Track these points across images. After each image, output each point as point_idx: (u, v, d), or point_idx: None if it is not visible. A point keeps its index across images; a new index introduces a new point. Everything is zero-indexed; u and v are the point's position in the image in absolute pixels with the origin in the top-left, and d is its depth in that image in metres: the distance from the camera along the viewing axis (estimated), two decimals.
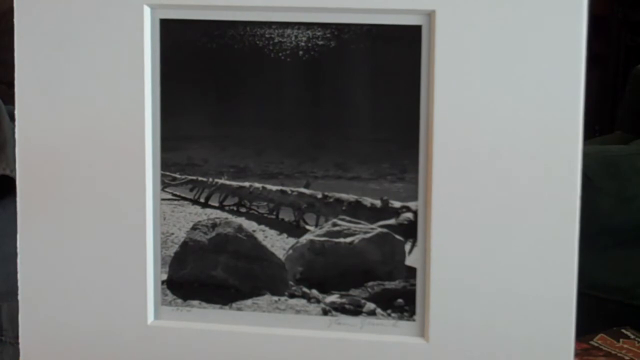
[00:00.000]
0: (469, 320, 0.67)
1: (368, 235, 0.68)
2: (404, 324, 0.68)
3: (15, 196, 0.70)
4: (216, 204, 0.69)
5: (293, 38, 0.67)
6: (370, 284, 0.68)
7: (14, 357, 0.95)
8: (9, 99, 1.00)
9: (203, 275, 0.70)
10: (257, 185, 0.69)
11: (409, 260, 0.68)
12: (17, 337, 0.73)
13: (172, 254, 0.70)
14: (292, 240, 0.69)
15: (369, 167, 0.67)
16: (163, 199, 0.70)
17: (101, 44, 0.67)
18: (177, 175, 0.69)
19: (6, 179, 1.02)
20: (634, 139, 1.58)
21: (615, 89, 3.39)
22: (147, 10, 0.67)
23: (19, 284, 0.71)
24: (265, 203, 0.69)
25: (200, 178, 0.69)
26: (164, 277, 0.70)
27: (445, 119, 0.65)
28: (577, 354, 0.68)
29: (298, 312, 0.69)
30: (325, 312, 0.69)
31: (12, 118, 1.03)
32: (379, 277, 0.68)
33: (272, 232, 0.69)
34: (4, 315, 1.01)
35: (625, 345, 1.00)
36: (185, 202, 0.70)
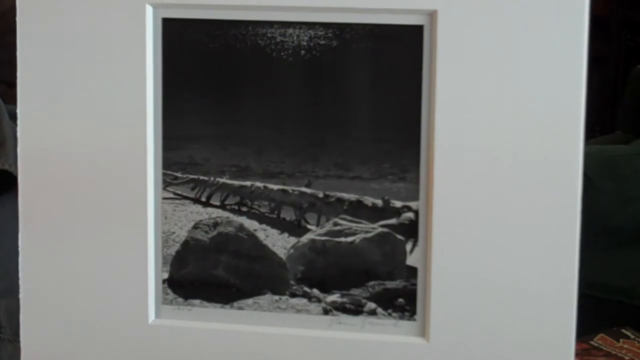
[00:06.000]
0: (470, 320, 0.67)
1: (369, 235, 0.68)
2: (404, 323, 0.68)
3: (14, 192, 0.70)
4: (217, 203, 0.70)
5: (295, 37, 0.67)
6: (371, 283, 0.68)
7: (13, 354, 0.95)
8: (10, 99, 1.00)
9: (204, 274, 0.70)
10: (258, 184, 0.69)
11: (410, 260, 0.68)
12: (15, 335, 0.73)
13: (173, 253, 0.70)
14: (293, 240, 0.69)
15: (370, 167, 0.68)
16: (164, 198, 0.70)
17: (103, 43, 0.67)
18: (179, 175, 0.69)
19: (5, 176, 1.02)
20: (634, 139, 1.59)
21: (615, 89, 3.40)
22: (149, 10, 0.67)
23: (20, 282, 0.71)
24: (266, 202, 0.69)
25: (201, 177, 0.69)
26: (165, 276, 0.70)
27: (447, 119, 0.65)
28: (577, 354, 0.68)
29: (299, 311, 0.69)
30: (326, 312, 0.69)
31: (11, 117, 1.03)
32: (379, 277, 0.68)
33: (273, 232, 0.69)
34: (2, 312, 1.01)
35: (625, 345, 1.00)
36: (187, 201, 0.70)
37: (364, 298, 0.68)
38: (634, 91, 1.76)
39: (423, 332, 0.68)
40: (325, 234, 0.68)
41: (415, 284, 0.68)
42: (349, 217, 0.68)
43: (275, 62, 0.67)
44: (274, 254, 0.69)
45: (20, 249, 0.70)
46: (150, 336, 0.70)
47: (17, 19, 0.68)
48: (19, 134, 0.69)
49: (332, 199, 0.68)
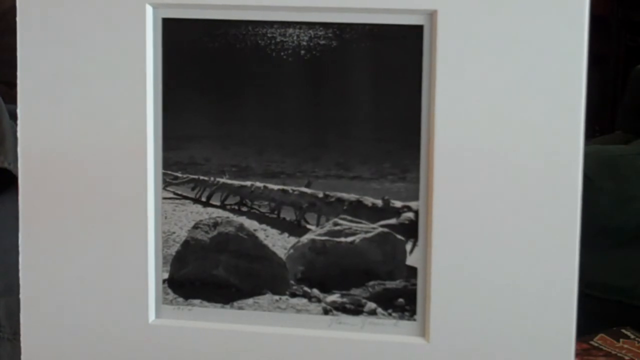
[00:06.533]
0: (470, 320, 0.67)
1: (369, 235, 0.68)
2: (404, 323, 0.68)
3: (13, 191, 0.70)
4: (218, 203, 0.70)
5: (295, 37, 0.67)
6: (371, 283, 0.68)
7: (12, 352, 0.95)
8: (10, 99, 1.00)
9: (204, 274, 0.70)
10: (258, 184, 0.69)
11: (410, 260, 0.68)
12: (14, 333, 0.73)
13: (174, 253, 0.70)
14: (293, 240, 0.69)
15: (370, 167, 0.68)
16: (165, 198, 0.70)
17: (103, 43, 0.67)
18: (179, 174, 0.69)
19: (4, 174, 1.02)
20: (634, 139, 1.59)
21: (615, 89, 3.40)
22: (149, 10, 0.67)
23: (20, 281, 0.71)
24: (266, 202, 0.69)
25: (201, 177, 0.69)
26: (165, 275, 0.70)
27: (447, 119, 0.65)
28: (577, 354, 0.69)
29: (299, 311, 0.69)
30: (326, 312, 0.69)
31: (12, 117, 1.03)
32: (380, 277, 0.68)
33: (273, 232, 0.69)
34: (2, 311, 1.01)
35: (625, 345, 1.00)
36: (187, 201, 0.70)
37: (364, 298, 0.68)
38: (634, 91, 1.77)
39: (423, 332, 0.68)
40: (325, 234, 0.69)
41: (415, 284, 0.68)
42: (349, 217, 0.68)
43: (275, 62, 0.67)
44: (274, 254, 0.69)
45: (20, 248, 0.70)
46: (150, 336, 0.70)
47: (17, 19, 0.68)
48: (19, 134, 0.69)
49: (332, 199, 0.68)
